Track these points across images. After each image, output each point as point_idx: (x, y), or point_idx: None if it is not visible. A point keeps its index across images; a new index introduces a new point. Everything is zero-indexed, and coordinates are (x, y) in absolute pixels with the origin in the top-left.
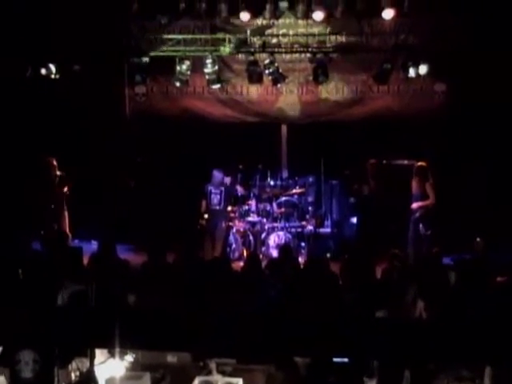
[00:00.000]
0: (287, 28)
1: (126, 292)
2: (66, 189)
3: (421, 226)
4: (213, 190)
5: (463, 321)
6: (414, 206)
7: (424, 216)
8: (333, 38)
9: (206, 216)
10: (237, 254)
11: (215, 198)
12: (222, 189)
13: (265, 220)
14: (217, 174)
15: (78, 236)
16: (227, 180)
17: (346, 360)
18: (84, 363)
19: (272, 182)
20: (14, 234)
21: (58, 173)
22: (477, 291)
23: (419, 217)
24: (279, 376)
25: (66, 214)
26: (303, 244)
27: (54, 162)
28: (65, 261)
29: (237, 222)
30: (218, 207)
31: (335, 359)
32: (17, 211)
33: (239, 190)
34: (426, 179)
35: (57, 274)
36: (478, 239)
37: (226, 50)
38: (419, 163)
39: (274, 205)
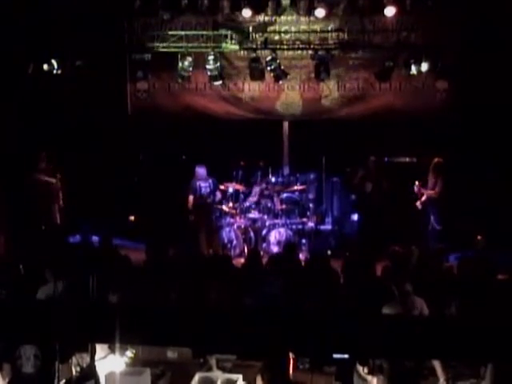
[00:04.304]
0: (289, 25)
1: (108, 291)
2: (54, 180)
3: (432, 218)
4: (202, 184)
5: (464, 318)
6: (416, 189)
7: (437, 210)
8: (335, 35)
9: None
10: (238, 251)
11: (205, 191)
12: (210, 181)
13: (266, 216)
14: (200, 170)
15: (80, 231)
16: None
17: (345, 356)
18: (84, 358)
19: (273, 179)
20: (16, 229)
21: (46, 165)
22: (478, 288)
23: (431, 211)
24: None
25: (57, 206)
26: (304, 241)
27: (43, 155)
28: (62, 254)
29: (238, 218)
30: (209, 199)
31: (335, 355)
32: (16, 207)
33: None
34: (439, 175)
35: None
36: (479, 237)
37: (229, 46)
38: (436, 159)
39: (275, 201)
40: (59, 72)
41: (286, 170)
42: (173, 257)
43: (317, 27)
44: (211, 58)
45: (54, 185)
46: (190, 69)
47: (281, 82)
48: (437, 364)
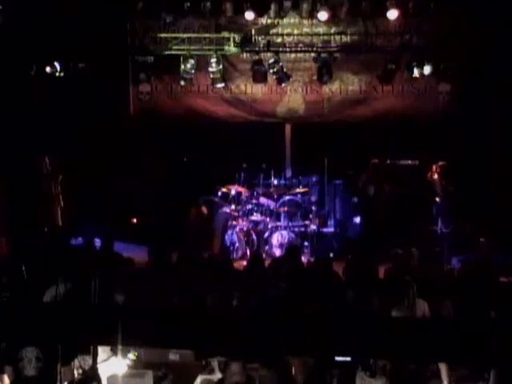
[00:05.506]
0: (292, 27)
1: (114, 291)
2: (58, 180)
3: (440, 221)
4: None
5: (465, 320)
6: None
7: (444, 211)
8: (337, 37)
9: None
10: (240, 253)
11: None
12: None
13: (268, 219)
14: None
15: (82, 233)
16: None
17: (348, 359)
18: (87, 361)
19: (276, 181)
20: (18, 231)
21: (48, 168)
22: (480, 291)
23: (438, 213)
24: (272, 375)
25: (59, 208)
26: (306, 243)
27: (46, 160)
28: (62, 256)
29: (240, 220)
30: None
31: (338, 358)
32: (18, 209)
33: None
34: (447, 178)
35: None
36: (482, 240)
37: (232, 48)
38: (440, 163)
39: (278, 204)
40: (62, 74)
41: (289, 173)
42: (175, 259)
43: (319, 30)
44: (214, 60)
45: (55, 187)
46: (193, 71)
47: (283, 85)
48: (442, 366)
